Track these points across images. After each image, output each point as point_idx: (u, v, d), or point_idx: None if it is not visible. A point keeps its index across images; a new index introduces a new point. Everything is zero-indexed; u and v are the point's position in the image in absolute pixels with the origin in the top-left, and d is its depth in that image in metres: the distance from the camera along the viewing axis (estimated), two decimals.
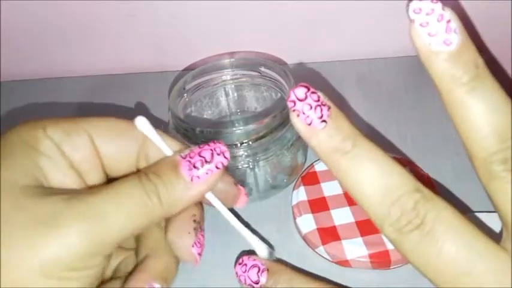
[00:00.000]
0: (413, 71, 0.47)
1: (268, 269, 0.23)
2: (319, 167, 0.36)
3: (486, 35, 0.47)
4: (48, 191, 0.18)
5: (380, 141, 0.41)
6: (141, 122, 0.21)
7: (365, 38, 0.49)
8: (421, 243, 0.17)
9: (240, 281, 0.23)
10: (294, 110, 0.18)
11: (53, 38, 0.50)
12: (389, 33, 0.48)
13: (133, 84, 0.49)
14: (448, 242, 0.17)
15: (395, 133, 0.40)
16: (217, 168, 0.20)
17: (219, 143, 0.20)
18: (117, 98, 0.48)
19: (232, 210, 0.29)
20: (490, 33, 0.47)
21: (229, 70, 0.39)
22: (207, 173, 0.19)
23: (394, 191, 0.18)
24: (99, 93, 0.49)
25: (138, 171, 0.20)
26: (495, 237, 0.18)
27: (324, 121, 0.18)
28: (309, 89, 0.18)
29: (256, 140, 0.32)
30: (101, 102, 0.47)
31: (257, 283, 0.23)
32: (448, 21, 0.17)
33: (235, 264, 0.24)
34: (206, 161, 0.19)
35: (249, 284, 0.23)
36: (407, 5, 0.17)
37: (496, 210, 0.19)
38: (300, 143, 0.35)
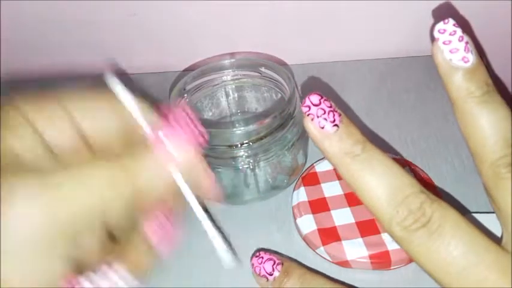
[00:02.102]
0: (414, 71, 0.47)
1: (282, 264, 0.25)
2: (319, 168, 0.36)
3: (486, 35, 0.47)
4: (16, 167, 0.17)
5: (380, 142, 0.41)
6: (113, 81, 0.19)
7: (366, 38, 0.49)
8: (428, 241, 0.18)
9: (254, 271, 0.25)
10: (308, 114, 0.19)
11: (52, 38, 0.50)
12: (390, 34, 0.48)
13: (134, 85, 0.49)
14: (454, 240, 0.18)
15: (396, 134, 0.40)
16: (193, 147, 0.19)
17: (196, 121, 0.19)
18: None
19: (232, 211, 0.28)
20: (490, 33, 0.47)
21: (230, 71, 0.39)
22: (183, 151, 0.18)
23: (401, 192, 0.19)
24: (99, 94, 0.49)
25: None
26: (493, 238, 0.19)
27: (336, 125, 0.19)
28: (322, 97, 0.19)
29: (257, 140, 0.32)
30: None
31: (271, 274, 0.25)
32: (467, 43, 0.19)
33: (251, 257, 0.25)
34: (183, 139, 0.18)
35: (263, 275, 0.25)
36: (433, 26, 0.19)
37: (498, 212, 0.19)
38: (300, 144, 0.35)
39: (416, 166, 0.36)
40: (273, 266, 0.26)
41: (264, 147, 0.33)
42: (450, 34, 0.19)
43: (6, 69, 0.52)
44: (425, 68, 0.47)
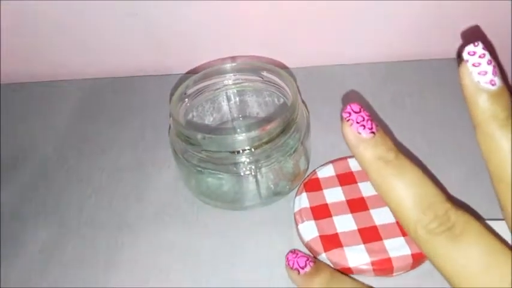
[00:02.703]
0: (417, 75, 0.47)
1: (315, 262, 0.28)
2: (321, 174, 0.36)
3: (486, 35, 0.47)
4: None
5: None
6: None
7: (368, 42, 0.49)
8: (450, 244, 0.19)
9: (288, 265, 0.28)
10: (348, 120, 0.21)
11: (52, 39, 0.49)
12: (392, 37, 0.48)
13: (135, 87, 0.49)
14: (475, 245, 0.19)
15: (398, 138, 0.40)
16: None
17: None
18: (118, 101, 0.48)
19: (234, 217, 0.28)
20: (490, 33, 0.47)
21: (231, 75, 0.39)
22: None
23: (428, 198, 0.20)
24: (100, 96, 0.48)
25: None
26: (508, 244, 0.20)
27: (373, 133, 0.21)
28: (362, 107, 0.21)
29: (259, 146, 0.32)
30: (102, 106, 0.47)
31: (303, 268, 0.28)
32: (495, 66, 0.20)
33: (287, 254, 0.29)
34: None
35: (295, 268, 0.28)
36: (461, 48, 0.20)
37: (510, 225, 0.20)
38: (302, 150, 0.35)
39: None
40: (306, 261, 0.28)
41: (265, 153, 0.33)
42: (479, 57, 0.20)
43: (6, 71, 0.52)
44: (428, 72, 0.47)
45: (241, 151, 0.32)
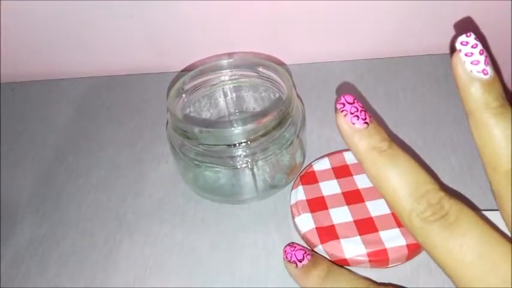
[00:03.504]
0: (411, 71, 0.47)
1: (312, 255, 0.28)
2: (317, 167, 0.36)
3: (486, 35, 0.47)
4: None
5: None
6: None
7: (363, 38, 0.49)
8: (444, 232, 0.19)
9: (285, 258, 0.29)
10: (342, 111, 0.21)
11: (52, 40, 0.50)
12: (387, 34, 0.48)
13: (132, 85, 0.49)
14: (469, 232, 0.19)
15: (393, 133, 0.40)
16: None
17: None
18: (116, 99, 0.48)
19: (231, 210, 0.28)
20: (490, 33, 0.47)
21: (228, 71, 0.39)
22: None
23: (422, 187, 0.20)
24: (98, 95, 0.49)
25: None
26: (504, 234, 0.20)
27: (366, 123, 0.21)
28: (355, 98, 0.21)
29: (255, 139, 0.32)
30: (100, 104, 0.48)
31: (300, 261, 0.28)
32: (486, 56, 0.20)
33: (285, 246, 0.29)
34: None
35: (293, 261, 0.28)
36: (454, 38, 0.21)
37: (507, 221, 0.20)
38: (298, 143, 0.36)
39: None
40: (303, 254, 0.28)
41: (262, 147, 0.33)
42: (472, 47, 0.20)
43: (6, 70, 0.52)
44: (422, 68, 0.47)
45: (237, 144, 0.32)
